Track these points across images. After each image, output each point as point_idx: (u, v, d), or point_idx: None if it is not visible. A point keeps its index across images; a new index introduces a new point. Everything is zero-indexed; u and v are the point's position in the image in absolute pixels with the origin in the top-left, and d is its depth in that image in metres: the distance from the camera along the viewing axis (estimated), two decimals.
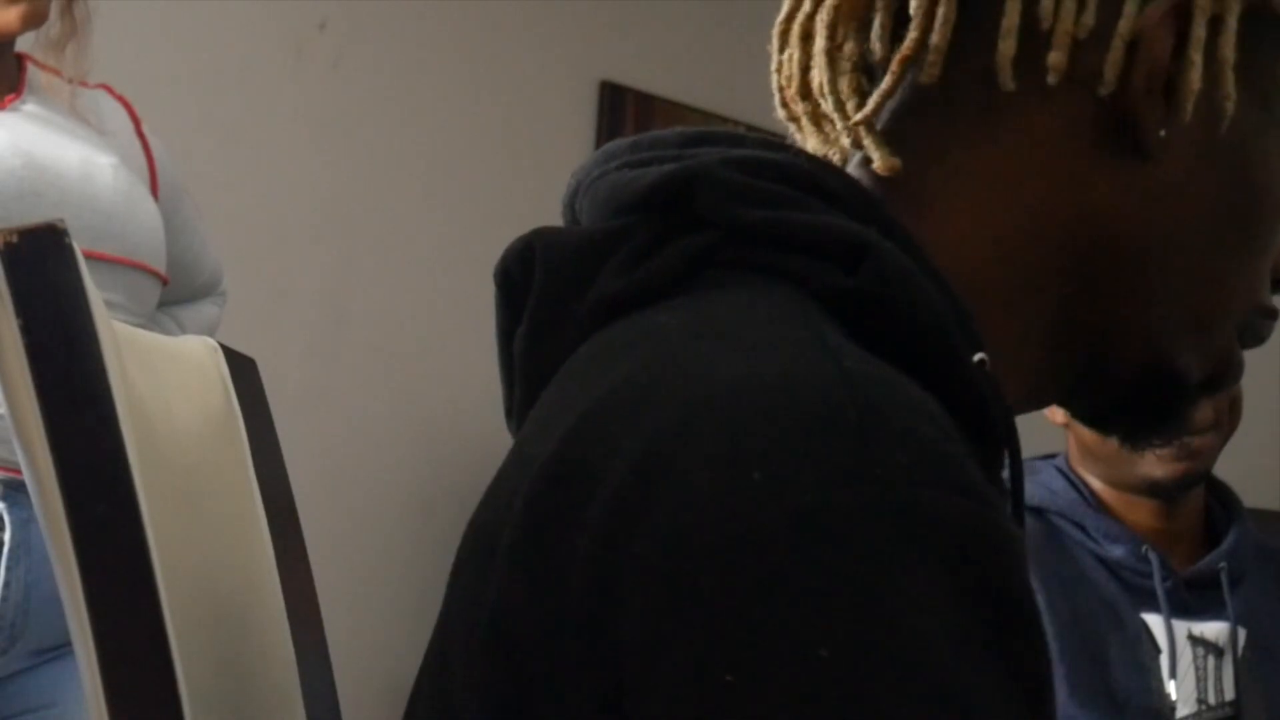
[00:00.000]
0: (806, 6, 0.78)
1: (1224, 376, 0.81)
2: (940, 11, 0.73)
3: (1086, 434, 1.79)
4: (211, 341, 0.95)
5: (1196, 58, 0.73)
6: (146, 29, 3.06)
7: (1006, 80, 0.73)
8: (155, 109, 2.71)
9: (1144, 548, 1.76)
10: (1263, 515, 2.16)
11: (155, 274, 1.99)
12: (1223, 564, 1.78)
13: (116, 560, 0.70)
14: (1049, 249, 0.75)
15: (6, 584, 1.80)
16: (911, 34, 0.74)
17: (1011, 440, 0.70)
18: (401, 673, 3.39)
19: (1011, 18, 0.72)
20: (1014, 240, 0.74)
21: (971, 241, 0.74)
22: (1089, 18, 0.72)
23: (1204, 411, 1.74)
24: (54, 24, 1.98)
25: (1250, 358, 1.81)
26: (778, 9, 0.79)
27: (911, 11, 0.74)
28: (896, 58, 0.74)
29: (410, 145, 3.45)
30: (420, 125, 3.46)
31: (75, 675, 1.83)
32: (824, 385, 0.59)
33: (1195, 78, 0.73)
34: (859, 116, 0.75)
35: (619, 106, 3.74)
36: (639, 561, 0.57)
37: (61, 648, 1.84)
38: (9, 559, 1.80)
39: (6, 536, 1.81)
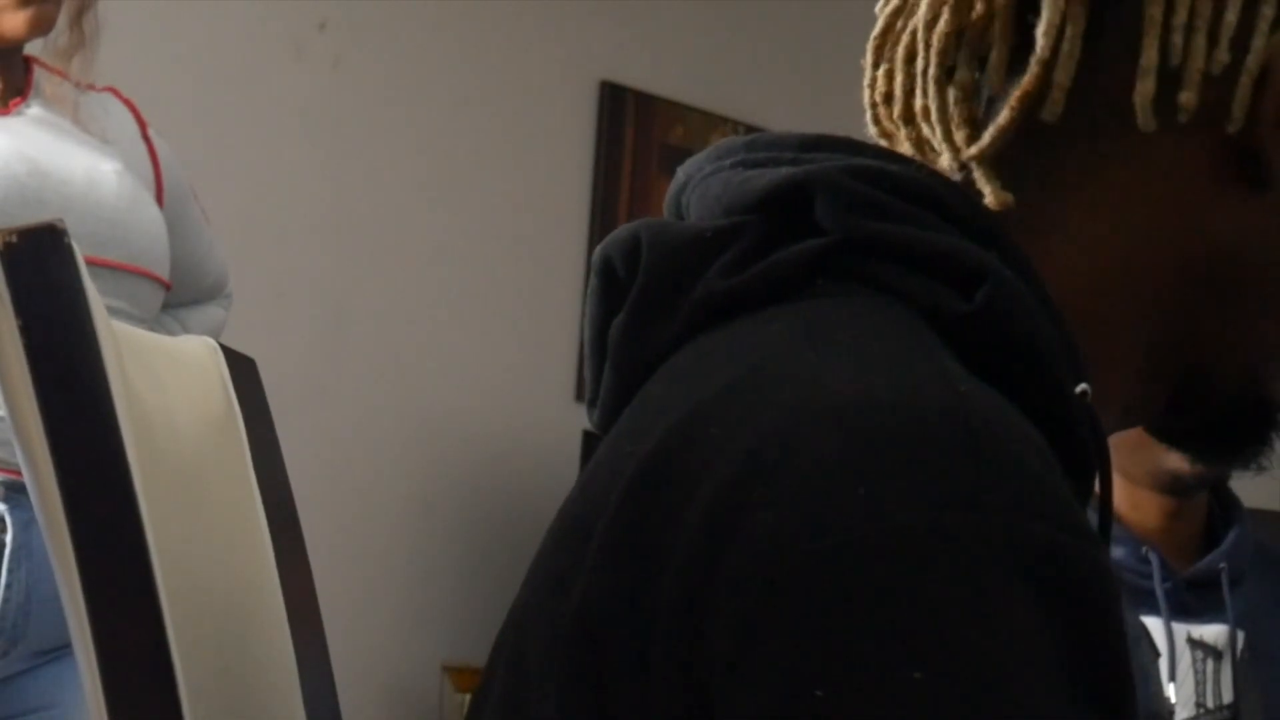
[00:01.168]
0: (914, 27, 0.76)
1: None
2: (1064, 47, 0.71)
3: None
4: (211, 341, 0.95)
5: None
6: (147, 29, 3.06)
7: (1148, 121, 0.71)
8: (155, 109, 2.71)
9: (1144, 548, 1.76)
10: (1263, 515, 2.15)
11: (158, 280, 1.99)
12: (1223, 564, 1.78)
13: (116, 560, 0.70)
14: (1160, 280, 0.74)
15: (8, 586, 1.80)
16: (1034, 69, 0.72)
17: (1105, 475, 0.70)
18: (401, 673, 3.39)
19: (1150, 55, 0.70)
20: (1125, 271, 0.74)
21: (1081, 271, 0.73)
22: (1223, 54, 0.71)
23: None
24: (63, 33, 1.98)
25: None
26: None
27: (1038, 47, 0.71)
28: (1016, 93, 0.72)
29: (410, 145, 3.45)
30: (420, 125, 3.46)
31: (75, 676, 1.83)
32: (938, 406, 0.58)
33: None
34: (973, 151, 0.73)
35: (619, 106, 3.73)
36: (734, 568, 0.56)
37: (62, 649, 1.84)
38: (10, 561, 1.80)
39: (8, 538, 1.81)
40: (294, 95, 3.29)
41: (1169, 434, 0.82)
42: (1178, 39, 0.71)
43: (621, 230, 0.75)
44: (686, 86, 3.84)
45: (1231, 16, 0.71)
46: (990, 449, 0.57)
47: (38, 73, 2.00)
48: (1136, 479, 1.79)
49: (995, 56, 0.73)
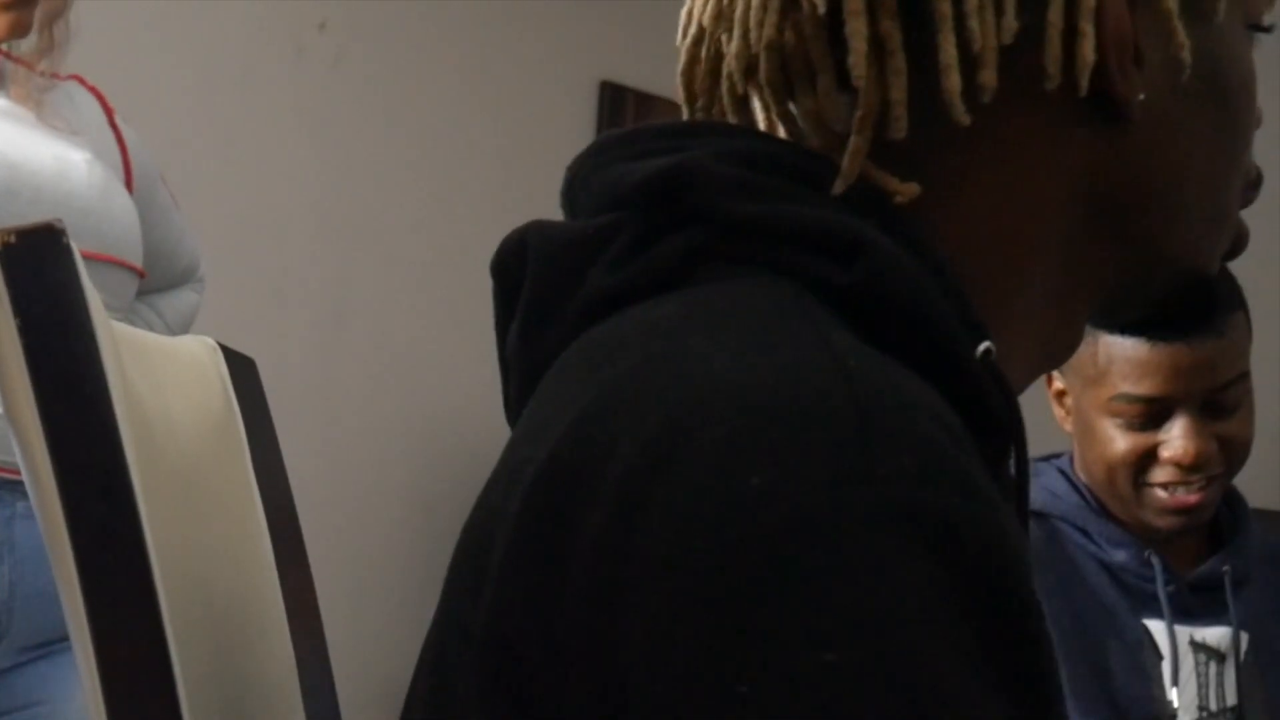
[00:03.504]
0: (727, 70, 0.76)
1: (1238, 247, 0.82)
2: (891, 64, 0.71)
3: (1095, 471, 1.76)
4: (211, 341, 0.95)
5: (1148, 23, 0.73)
6: (147, 29, 3.06)
7: (960, 115, 0.71)
8: (155, 108, 2.70)
9: (1147, 552, 1.76)
10: (1263, 515, 2.15)
11: (132, 268, 1.98)
12: (1226, 567, 1.78)
13: (115, 560, 0.70)
14: (1057, 230, 0.75)
15: None
16: (863, 94, 0.71)
17: (1017, 433, 0.70)
18: (401, 673, 3.38)
19: (948, 51, 0.70)
20: (1021, 232, 0.74)
21: (977, 237, 0.73)
22: (1011, 22, 0.71)
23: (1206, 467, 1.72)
24: (32, 38, 1.98)
25: (1252, 358, 1.80)
26: None
27: (854, 75, 0.71)
28: (857, 117, 0.71)
29: (410, 145, 3.45)
30: (420, 125, 3.46)
31: (65, 672, 1.84)
32: (824, 385, 0.58)
33: (1153, 42, 0.73)
34: (842, 181, 0.71)
35: (619, 106, 3.73)
36: (640, 566, 0.56)
37: (50, 645, 1.84)
38: None
39: None
40: (294, 95, 3.29)
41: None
42: (974, 24, 0.70)
43: (513, 233, 0.75)
44: None
45: None
46: (877, 422, 0.57)
47: (4, 65, 2.00)
48: (1122, 524, 1.78)
49: (822, 83, 0.73)
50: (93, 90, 2.09)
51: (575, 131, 3.70)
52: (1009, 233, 0.74)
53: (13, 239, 0.70)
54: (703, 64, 0.78)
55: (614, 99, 3.73)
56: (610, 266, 0.70)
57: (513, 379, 0.75)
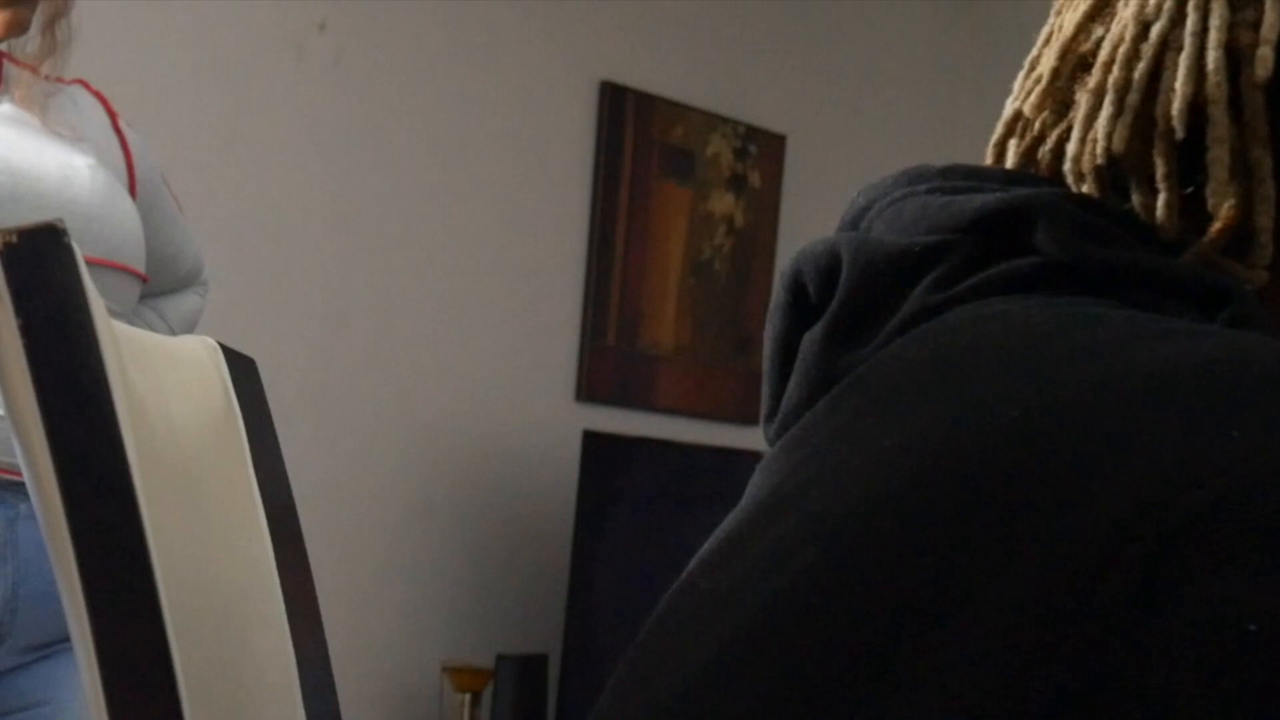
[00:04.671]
0: (1067, 151, 0.75)
1: None
2: (1260, 191, 0.70)
3: None
4: (211, 341, 0.95)
5: None
6: (147, 28, 3.06)
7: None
8: (155, 109, 2.71)
9: None
10: None
11: (135, 274, 1.98)
12: None
13: (116, 560, 0.70)
14: None
15: None
16: (1224, 214, 0.71)
17: None
18: (401, 673, 3.39)
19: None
20: None
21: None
22: None
23: None
24: (33, 38, 1.97)
25: None
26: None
27: (1213, 201, 0.71)
28: (1214, 229, 0.71)
29: (410, 145, 3.45)
30: (420, 125, 3.46)
31: (67, 673, 1.84)
32: (1275, 349, 0.59)
33: None
34: (1186, 263, 0.71)
35: (619, 106, 3.74)
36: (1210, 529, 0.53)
37: (52, 645, 1.84)
38: None
39: None
40: (294, 95, 3.29)
41: None
42: None
43: (816, 244, 0.74)
44: (686, 86, 3.84)
45: None
46: None
47: (7, 69, 2.00)
48: None
49: (1164, 197, 0.72)
50: (97, 94, 2.09)
51: (575, 131, 3.70)
52: None
53: (14, 239, 0.71)
54: (1018, 141, 0.78)
55: (614, 99, 3.73)
56: (936, 284, 0.70)
57: (800, 386, 0.74)
